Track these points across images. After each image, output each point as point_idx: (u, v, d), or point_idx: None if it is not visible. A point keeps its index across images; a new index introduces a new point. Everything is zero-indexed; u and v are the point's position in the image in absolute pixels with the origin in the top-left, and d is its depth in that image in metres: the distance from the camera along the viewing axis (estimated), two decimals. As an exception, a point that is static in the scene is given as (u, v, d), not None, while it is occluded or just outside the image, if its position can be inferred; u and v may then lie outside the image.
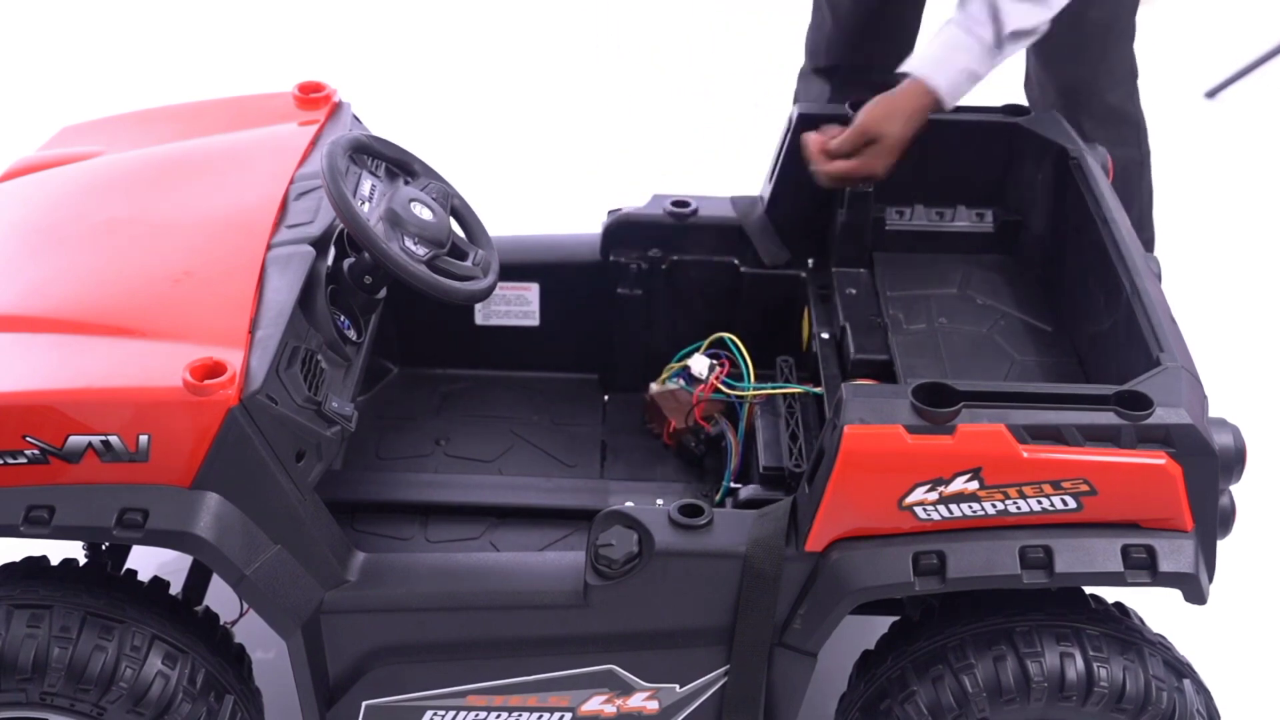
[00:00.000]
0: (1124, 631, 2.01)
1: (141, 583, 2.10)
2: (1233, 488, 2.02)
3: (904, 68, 2.41)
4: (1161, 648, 2.04)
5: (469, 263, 2.23)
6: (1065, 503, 1.91)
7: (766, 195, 2.64)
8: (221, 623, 2.15)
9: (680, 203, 2.64)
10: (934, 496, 1.91)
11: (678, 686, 2.10)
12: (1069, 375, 2.34)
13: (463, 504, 2.43)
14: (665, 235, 2.63)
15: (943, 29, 2.39)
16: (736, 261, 2.64)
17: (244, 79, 4.26)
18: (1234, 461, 1.97)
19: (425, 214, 2.18)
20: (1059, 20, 2.42)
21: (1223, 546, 2.00)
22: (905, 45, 2.96)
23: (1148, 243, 3.00)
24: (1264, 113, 4.32)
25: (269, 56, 4.57)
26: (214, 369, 1.88)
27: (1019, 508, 1.91)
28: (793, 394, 2.45)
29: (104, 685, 1.94)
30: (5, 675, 1.92)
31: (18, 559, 2.10)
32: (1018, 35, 2.35)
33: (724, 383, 2.50)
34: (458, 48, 4.65)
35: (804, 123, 2.57)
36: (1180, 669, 2.03)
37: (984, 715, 1.98)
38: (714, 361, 2.53)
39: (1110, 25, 2.80)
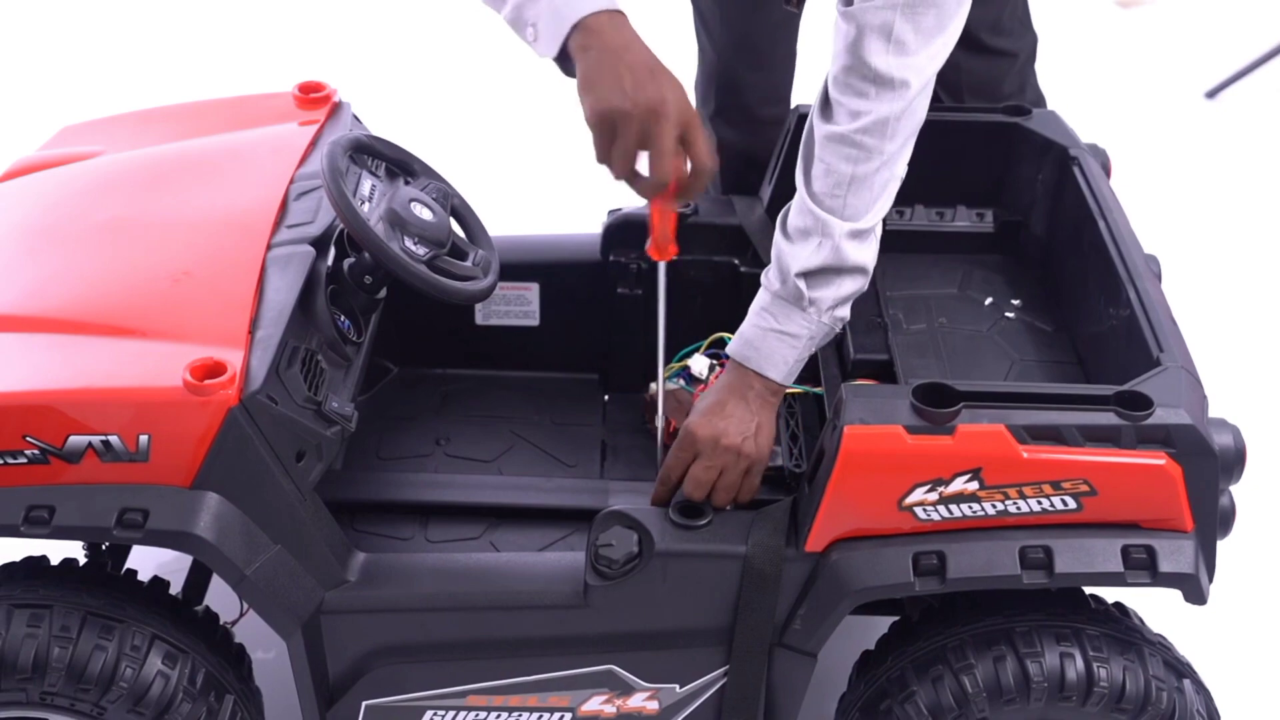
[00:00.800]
0: (1124, 631, 2.01)
1: (141, 583, 2.10)
2: (1233, 488, 2.02)
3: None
4: (1161, 648, 2.04)
5: (469, 263, 2.23)
6: (1065, 503, 1.91)
7: (766, 195, 2.64)
8: (221, 623, 2.15)
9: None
10: (934, 497, 1.91)
11: (677, 687, 2.10)
12: (1069, 375, 2.34)
13: (463, 504, 2.43)
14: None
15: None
16: (736, 261, 2.64)
17: (244, 79, 4.26)
18: (1234, 461, 1.97)
19: (425, 214, 2.19)
20: None
21: (1223, 546, 2.00)
22: (782, 78, 2.78)
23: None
24: (1264, 113, 4.32)
25: (269, 56, 4.57)
26: (214, 369, 1.88)
27: (1019, 508, 1.92)
28: (793, 394, 2.45)
29: (104, 685, 1.94)
30: (5, 675, 1.93)
31: (18, 559, 2.10)
32: (811, 276, 2.01)
33: (724, 383, 2.49)
34: (458, 48, 4.65)
35: (804, 123, 2.56)
36: (1180, 669, 2.03)
37: (984, 715, 1.98)
38: (714, 361, 2.53)
39: None
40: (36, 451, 1.90)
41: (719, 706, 2.11)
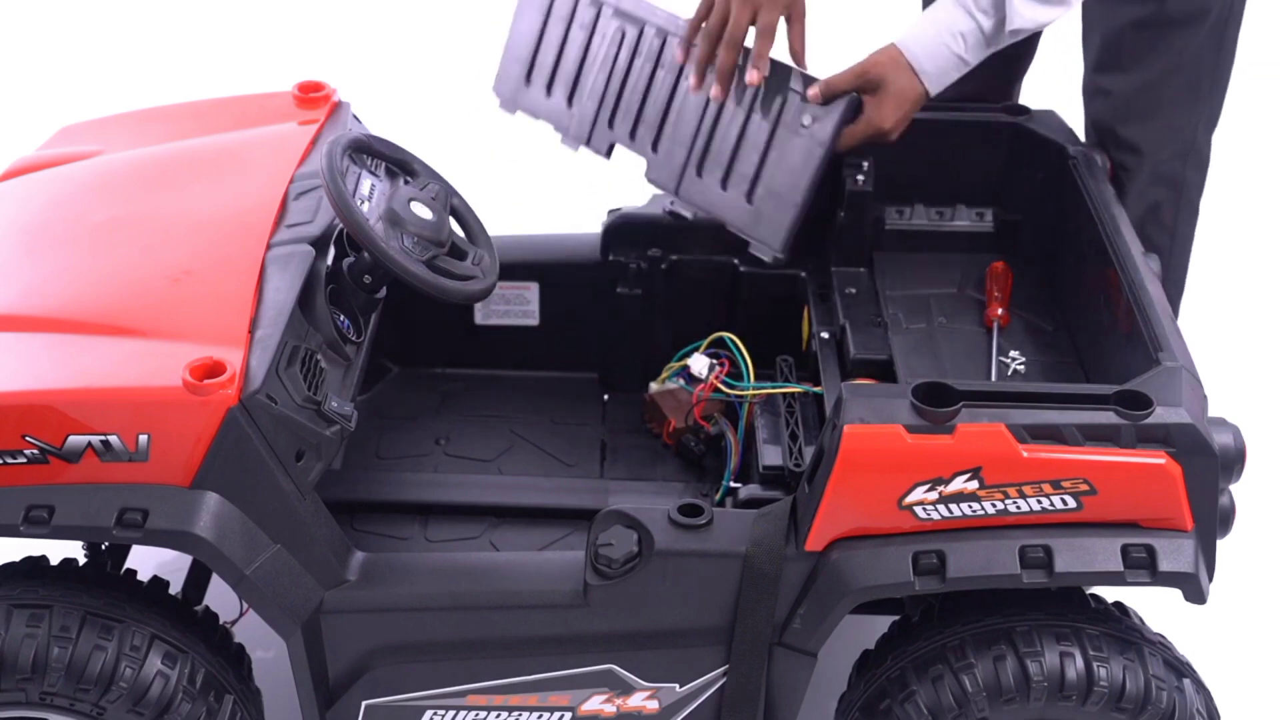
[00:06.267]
0: (1124, 631, 2.01)
1: (141, 582, 2.10)
2: (1233, 487, 2.02)
3: (895, 40, 2.27)
4: (1161, 647, 2.04)
5: (468, 262, 2.22)
6: (1065, 502, 1.91)
7: (766, 195, 2.64)
8: (221, 622, 2.15)
9: (680, 202, 2.65)
10: (934, 496, 1.91)
11: (677, 686, 2.10)
12: (1069, 375, 2.35)
13: (463, 504, 2.43)
14: (665, 235, 2.63)
15: (943, 5, 2.25)
16: (736, 261, 2.64)
17: (244, 79, 4.26)
18: (1234, 461, 1.97)
19: (425, 214, 2.18)
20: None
21: (1223, 546, 2.00)
22: None
23: (1176, 285, 2.73)
24: (1264, 112, 4.32)
25: (269, 56, 4.57)
26: (214, 369, 1.88)
27: (1019, 507, 1.91)
28: (793, 393, 2.45)
29: (104, 685, 1.94)
30: (5, 675, 1.93)
31: (18, 559, 2.10)
32: (1017, 34, 2.23)
33: (724, 382, 2.50)
34: (458, 48, 4.64)
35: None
36: (1180, 668, 2.03)
37: (984, 715, 1.98)
38: (714, 361, 2.53)
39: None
40: (36, 451, 1.90)
41: (719, 706, 2.11)
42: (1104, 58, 2.48)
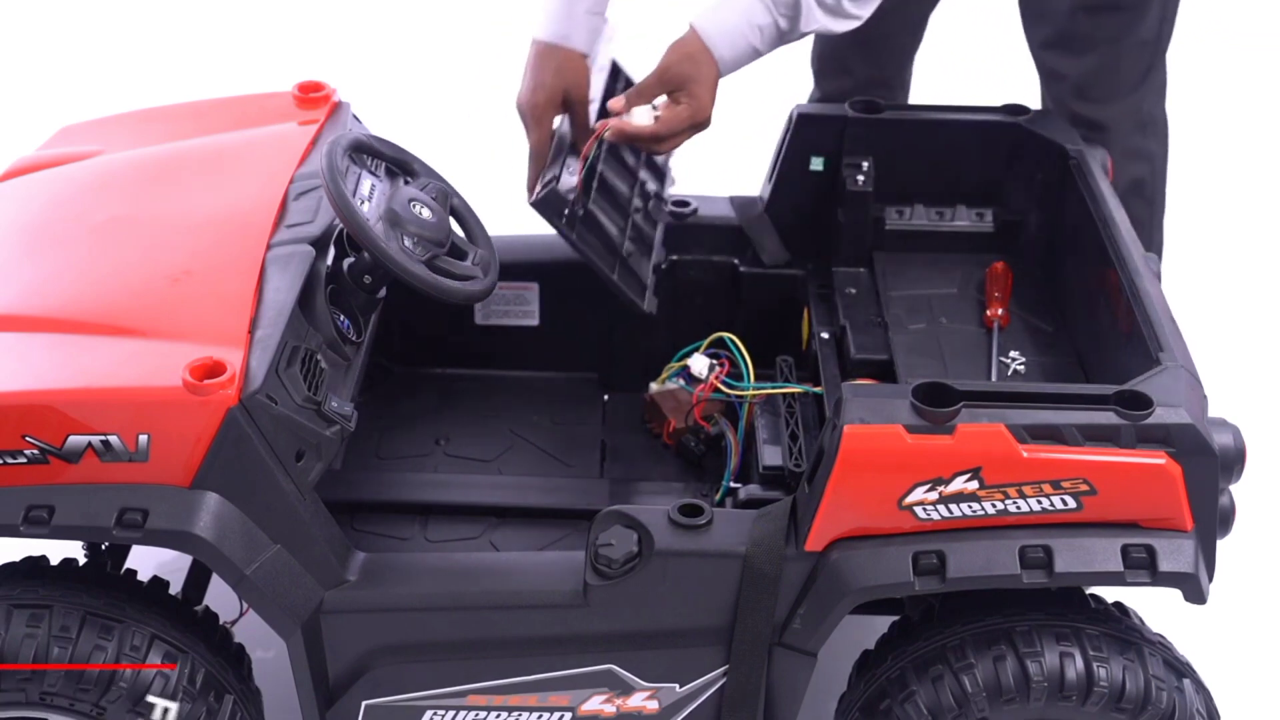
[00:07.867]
0: (1124, 631, 2.01)
1: (141, 582, 2.10)
2: (1233, 488, 2.02)
3: (693, 21, 2.32)
4: (1161, 647, 2.04)
5: (469, 263, 2.23)
6: (1065, 502, 1.91)
7: (766, 195, 2.64)
8: (221, 622, 2.15)
9: (680, 203, 2.65)
10: (934, 496, 1.91)
11: (677, 686, 2.10)
12: (1069, 375, 2.35)
13: (462, 504, 2.43)
14: (665, 235, 2.63)
15: None
16: (736, 261, 2.64)
17: (244, 79, 4.25)
18: (1234, 461, 1.97)
19: (425, 214, 2.18)
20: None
21: (1223, 546, 2.00)
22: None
23: (1158, 247, 2.86)
24: (1265, 110, 4.33)
25: (269, 56, 4.57)
26: (214, 369, 1.88)
27: (1019, 507, 1.91)
28: (793, 394, 2.45)
29: (104, 685, 1.94)
30: (5, 675, 1.92)
31: (18, 559, 2.10)
32: (806, 34, 2.32)
33: (724, 382, 2.50)
34: (458, 48, 4.65)
35: (803, 122, 2.57)
36: (1180, 669, 2.03)
37: (984, 715, 1.98)
38: (714, 361, 2.53)
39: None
40: (36, 451, 1.90)
41: (719, 706, 2.11)
42: (1054, 39, 2.53)
